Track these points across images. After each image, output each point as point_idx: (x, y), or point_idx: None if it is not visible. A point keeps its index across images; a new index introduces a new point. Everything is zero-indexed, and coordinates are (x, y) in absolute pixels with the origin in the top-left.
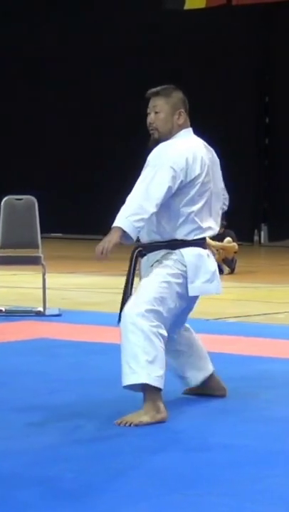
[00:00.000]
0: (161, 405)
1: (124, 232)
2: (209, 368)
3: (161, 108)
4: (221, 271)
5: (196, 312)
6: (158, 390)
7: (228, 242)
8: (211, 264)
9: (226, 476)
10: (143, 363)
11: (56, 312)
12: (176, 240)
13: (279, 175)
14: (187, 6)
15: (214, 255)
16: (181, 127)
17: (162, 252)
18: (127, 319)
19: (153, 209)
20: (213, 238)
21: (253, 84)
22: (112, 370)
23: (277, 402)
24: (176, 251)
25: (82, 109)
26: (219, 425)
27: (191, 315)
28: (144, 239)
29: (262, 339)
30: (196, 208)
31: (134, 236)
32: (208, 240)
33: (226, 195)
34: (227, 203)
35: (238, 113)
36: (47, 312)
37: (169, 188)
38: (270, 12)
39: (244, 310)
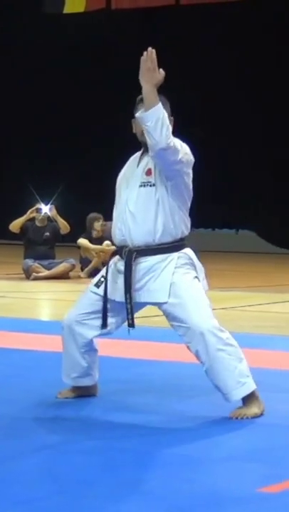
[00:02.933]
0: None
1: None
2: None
3: None
4: None
5: None
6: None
7: (107, 245)
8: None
9: (103, 479)
10: (246, 372)
11: None
12: (181, 239)
13: None
14: (66, 10)
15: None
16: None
17: (170, 256)
18: (211, 338)
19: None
20: (92, 241)
21: (132, 89)
22: None
23: (154, 405)
24: (182, 253)
25: None
26: (97, 427)
27: None
28: (138, 241)
29: (140, 342)
30: (189, 203)
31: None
32: (88, 244)
33: None
34: None
35: (117, 116)
36: None
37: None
38: (149, 16)
39: None
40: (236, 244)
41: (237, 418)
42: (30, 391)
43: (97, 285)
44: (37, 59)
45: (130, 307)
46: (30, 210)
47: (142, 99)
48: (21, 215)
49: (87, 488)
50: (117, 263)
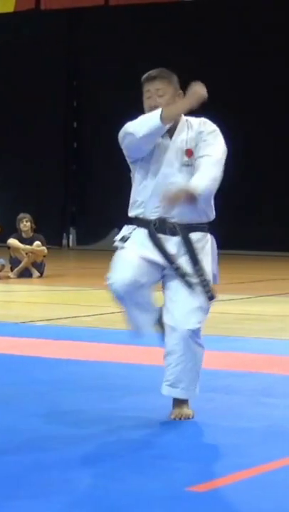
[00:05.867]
0: None
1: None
2: None
3: (165, 91)
4: (30, 274)
5: (6, 316)
6: None
7: (38, 245)
8: None
9: (34, 479)
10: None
11: None
12: (209, 222)
13: (86, 179)
14: None
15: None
16: None
17: (205, 236)
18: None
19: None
20: (22, 242)
21: (61, 89)
22: None
23: (83, 405)
24: (209, 236)
25: None
26: (27, 428)
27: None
28: (185, 218)
29: (70, 342)
30: None
31: None
32: (18, 244)
33: None
34: None
35: (47, 117)
36: None
37: None
38: (78, 16)
39: (53, 313)
40: None
41: (180, 419)
42: None
43: (123, 240)
44: None
45: (204, 280)
46: None
47: (149, 78)
48: None
49: (16, 488)
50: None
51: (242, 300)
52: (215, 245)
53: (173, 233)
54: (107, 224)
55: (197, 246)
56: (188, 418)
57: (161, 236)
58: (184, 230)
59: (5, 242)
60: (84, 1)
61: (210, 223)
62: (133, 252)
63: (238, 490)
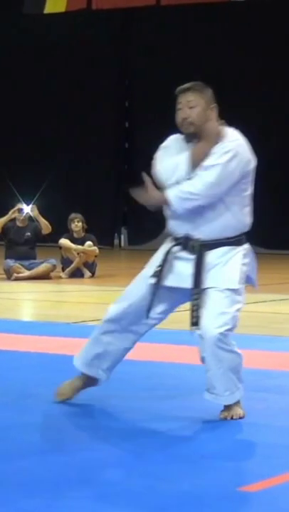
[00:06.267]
0: None
1: None
2: None
3: (196, 103)
4: (81, 275)
5: (57, 316)
6: None
7: (89, 246)
8: None
9: (85, 479)
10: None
11: None
12: (242, 233)
13: (138, 179)
14: (47, 10)
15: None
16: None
17: (234, 249)
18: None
19: None
20: (74, 242)
21: (113, 89)
22: None
23: (134, 404)
24: (241, 248)
25: None
26: (74, 427)
27: (51, 318)
28: (209, 235)
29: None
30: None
31: None
32: (69, 244)
33: None
34: None
35: (98, 117)
36: None
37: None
38: (129, 16)
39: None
40: None
41: (231, 419)
42: (10, 391)
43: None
44: (17, 59)
45: (195, 304)
46: (11, 211)
47: (182, 90)
48: (3, 216)
49: (68, 488)
50: (179, 252)
51: None
52: (251, 254)
53: (193, 251)
54: (158, 224)
55: (221, 260)
56: (239, 418)
57: (183, 255)
58: (203, 248)
59: (56, 242)
60: (135, 1)
61: (252, 226)
62: (144, 276)
63: None
